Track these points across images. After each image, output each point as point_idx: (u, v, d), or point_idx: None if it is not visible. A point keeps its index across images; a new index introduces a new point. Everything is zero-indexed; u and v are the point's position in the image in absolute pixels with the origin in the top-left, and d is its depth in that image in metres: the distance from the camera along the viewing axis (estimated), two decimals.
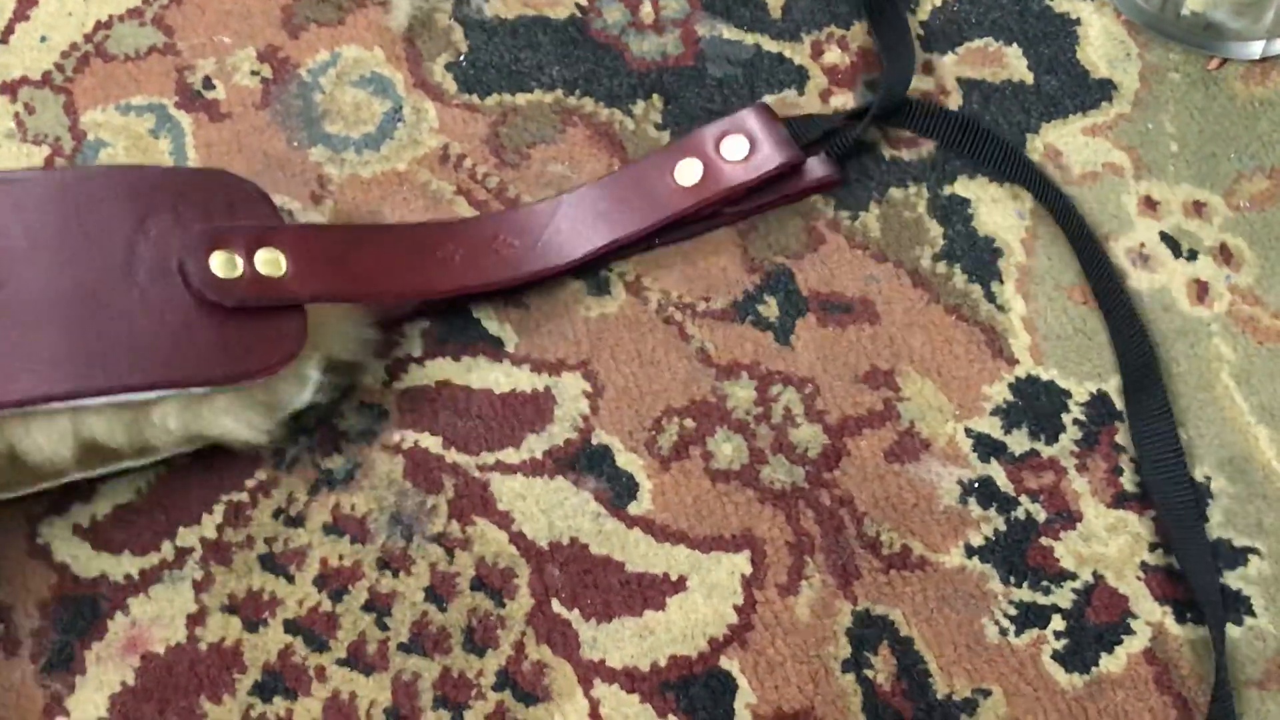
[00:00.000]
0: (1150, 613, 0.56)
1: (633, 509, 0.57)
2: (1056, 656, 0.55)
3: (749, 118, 0.63)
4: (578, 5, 0.69)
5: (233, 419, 0.53)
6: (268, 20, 0.67)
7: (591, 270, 0.62)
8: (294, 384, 0.55)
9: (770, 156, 0.62)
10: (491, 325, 0.60)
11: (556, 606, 0.55)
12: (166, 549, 0.55)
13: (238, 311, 0.53)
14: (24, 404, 0.50)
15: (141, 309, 0.52)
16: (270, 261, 0.54)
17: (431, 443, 0.58)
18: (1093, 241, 0.62)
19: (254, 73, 0.66)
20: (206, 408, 0.53)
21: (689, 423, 0.59)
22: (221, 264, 0.53)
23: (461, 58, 0.67)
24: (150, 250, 0.53)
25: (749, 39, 0.68)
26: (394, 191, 0.63)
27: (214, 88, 0.66)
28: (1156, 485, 0.57)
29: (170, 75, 0.66)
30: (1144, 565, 0.56)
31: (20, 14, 0.67)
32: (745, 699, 0.54)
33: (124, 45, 0.67)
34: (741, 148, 0.62)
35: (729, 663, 0.54)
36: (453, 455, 0.58)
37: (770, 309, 0.61)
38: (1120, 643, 0.55)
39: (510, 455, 0.58)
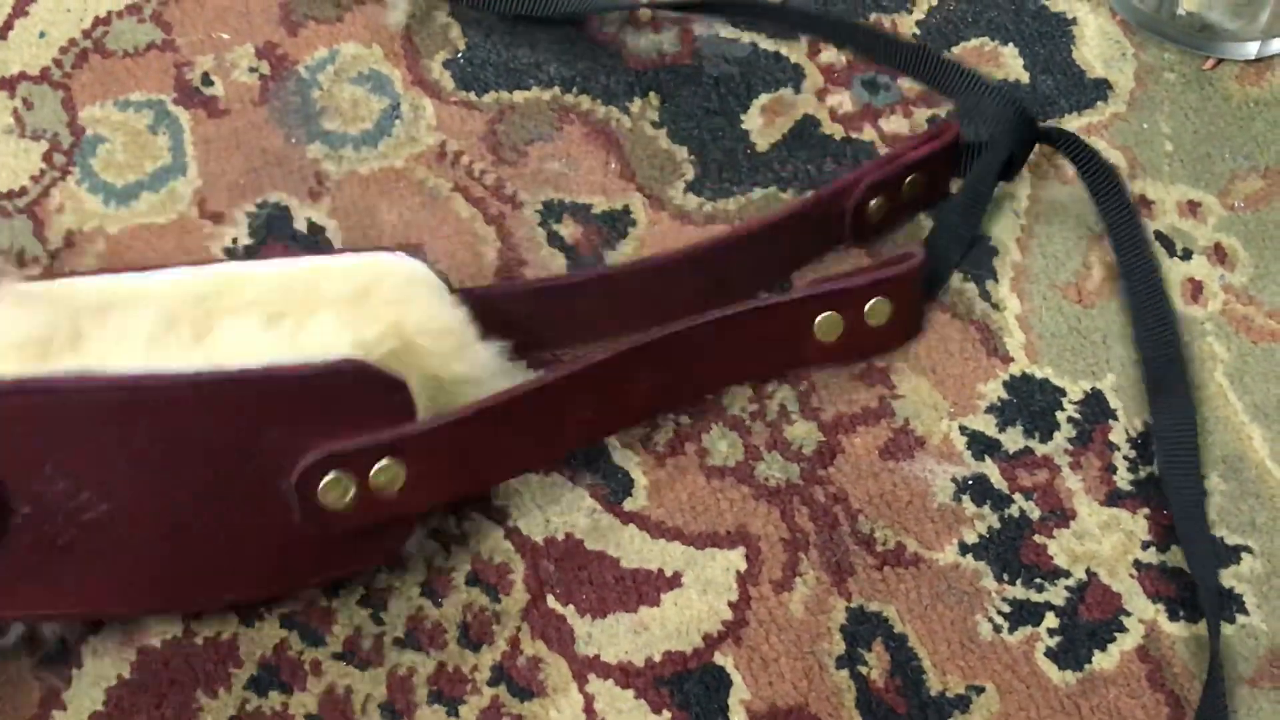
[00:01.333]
0: (1143, 610, 0.56)
1: (628, 505, 0.57)
2: (1050, 654, 0.55)
3: (892, 287, 0.58)
4: None
5: None
6: (266, 17, 0.68)
7: (588, 266, 0.62)
8: None
9: (901, 331, 0.60)
10: None
11: (551, 602, 0.55)
12: None
13: (346, 532, 0.51)
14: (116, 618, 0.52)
15: (241, 528, 0.50)
16: (387, 473, 0.50)
17: None
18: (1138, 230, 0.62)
19: (252, 69, 0.66)
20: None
21: (684, 419, 0.59)
22: (332, 489, 0.50)
23: (459, 55, 0.67)
24: (259, 465, 0.49)
25: (745, 37, 0.68)
26: (391, 188, 0.63)
27: (212, 84, 0.66)
28: (1168, 473, 0.57)
29: (169, 72, 0.66)
30: (1137, 563, 0.57)
31: (19, 10, 0.67)
32: (739, 695, 0.54)
33: (123, 41, 0.67)
34: (882, 314, 0.58)
35: (723, 659, 0.54)
36: None
37: None
38: (1113, 640, 0.55)
39: None
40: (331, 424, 0.50)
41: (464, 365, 0.54)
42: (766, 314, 0.57)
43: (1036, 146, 0.64)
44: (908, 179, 0.62)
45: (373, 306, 0.54)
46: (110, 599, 0.50)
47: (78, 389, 0.48)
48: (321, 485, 0.50)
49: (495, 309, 0.56)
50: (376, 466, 0.50)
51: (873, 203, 0.61)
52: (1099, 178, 0.62)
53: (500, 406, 0.52)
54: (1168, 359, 0.59)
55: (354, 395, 0.50)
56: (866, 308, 0.58)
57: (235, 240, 0.62)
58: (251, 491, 0.50)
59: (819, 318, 0.58)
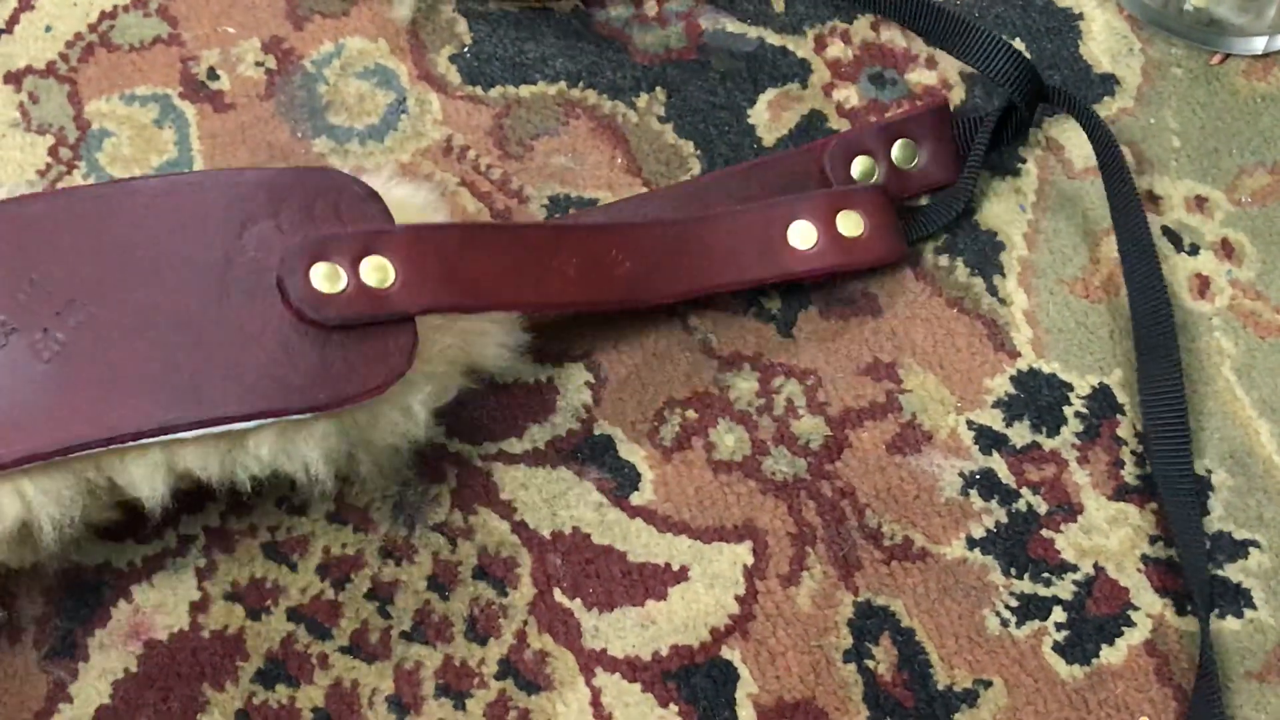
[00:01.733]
0: (1151, 605, 0.56)
1: (635, 499, 0.57)
2: (1057, 648, 0.55)
3: (861, 199, 0.60)
4: None
5: (323, 452, 0.51)
6: (272, 11, 0.68)
7: None
8: (396, 410, 0.52)
9: (880, 245, 0.60)
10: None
11: (558, 596, 0.55)
12: (170, 537, 0.56)
13: (341, 329, 0.50)
14: (113, 441, 0.47)
15: (238, 332, 0.49)
16: (378, 270, 0.50)
17: (434, 432, 0.58)
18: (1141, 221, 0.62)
19: (258, 64, 0.66)
20: (304, 436, 0.50)
21: (691, 414, 0.59)
22: (324, 276, 0.50)
23: (465, 50, 0.67)
24: (247, 265, 0.49)
25: (752, 32, 0.68)
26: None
27: (218, 78, 0.66)
28: (1160, 469, 0.57)
29: (175, 66, 0.66)
30: (1145, 558, 0.57)
31: (25, 4, 0.67)
32: (746, 689, 0.54)
33: (128, 35, 0.67)
34: (856, 226, 0.60)
35: (730, 652, 0.54)
36: (455, 445, 0.58)
37: (773, 301, 0.61)
38: (1121, 634, 0.55)
39: (513, 445, 0.58)
40: (313, 223, 0.50)
41: None
42: (741, 215, 0.59)
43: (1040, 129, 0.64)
44: (896, 142, 0.63)
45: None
46: (100, 418, 0.47)
47: (48, 201, 0.48)
48: (311, 270, 0.49)
49: None
50: (366, 262, 0.50)
51: (857, 163, 0.62)
52: (1100, 140, 0.62)
53: (484, 228, 0.54)
54: (1158, 327, 0.59)
55: (332, 197, 0.51)
56: (837, 218, 0.60)
57: None
58: (241, 291, 0.49)
59: (791, 225, 0.59)
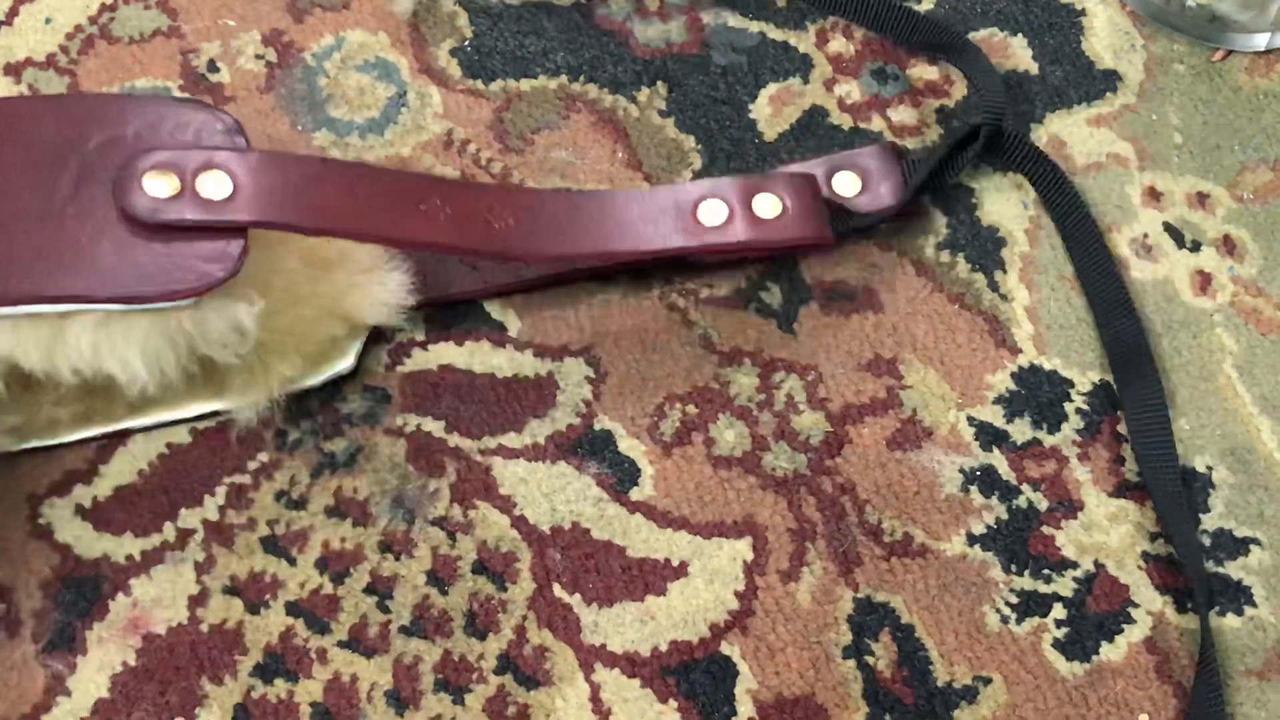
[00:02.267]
0: (1151, 602, 0.56)
1: (635, 494, 0.57)
2: (1057, 645, 0.55)
3: (782, 182, 0.60)
4: None
5: (141, 350, 0.51)
6: (272, 4, 0.67)
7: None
8: (223, 322, 0.52)
9: (797, 226, 0.60)
10: (494, 310, 0.60)
11: (558, 591, 0.55)
12: (168, 530, 0.55)
13: (167, 230, 0.50)
14: None
15: (62, 221, 0.50)
16: (216, 182, 0.51)
17: (434, 426, 0.58)
18: (1091, 229, 0.62)
19: (258, 56, 0.66)
20: (122, 331, 0.50)
21: (691, 409, 0.59)
22: (157, 181, 0.50)
23: (466, 43, 0.67)
24: (84, 161, 0.51)
25: (754, 27, 0.68)
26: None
27: (218, 71, 0.66)
28: (1149, 471, 0.57)
29: (175, 58, 0.66)
30: (1145, 555, 0.56)
31: None
32: (746, 684, 0.54)
33: (128, 28, 0.67)
34: (773, 208, 0.60)
35: (730, 648, 0.54)
36: (455, 439, 0.58)
37: (773, 296, 0.61)
38: (1121, 631, 0.55)
39: (513, 440, 0.58)
40: (162, 140, 0.52)
41: None
42: (649, 192, 0.59)
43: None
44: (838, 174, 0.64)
45: None
46: None
47: None
48: (146, 173, 0.50)
49: None
50: (206, 175, 0.51)
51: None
52: (1049, 182, 0.64)
53: (345, 165, 0.55)
54: (1132, 348, 0.59)
55: (194, 126, 0.53)
56: (754, 200, 0.60)
57: None
58: (74, 184, 0.51)
59: (702, 203, 0.59)
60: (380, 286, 0.57)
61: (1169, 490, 0.57)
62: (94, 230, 0.50)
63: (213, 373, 0.55)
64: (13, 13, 0.67)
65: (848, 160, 0.63)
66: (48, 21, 0.66)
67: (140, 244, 0.50)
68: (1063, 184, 0.63)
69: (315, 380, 0.57)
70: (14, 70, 0.65)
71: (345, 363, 0.58)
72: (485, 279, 0.60)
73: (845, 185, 0.62)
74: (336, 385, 0.58)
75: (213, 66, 0.66)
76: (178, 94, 0.65)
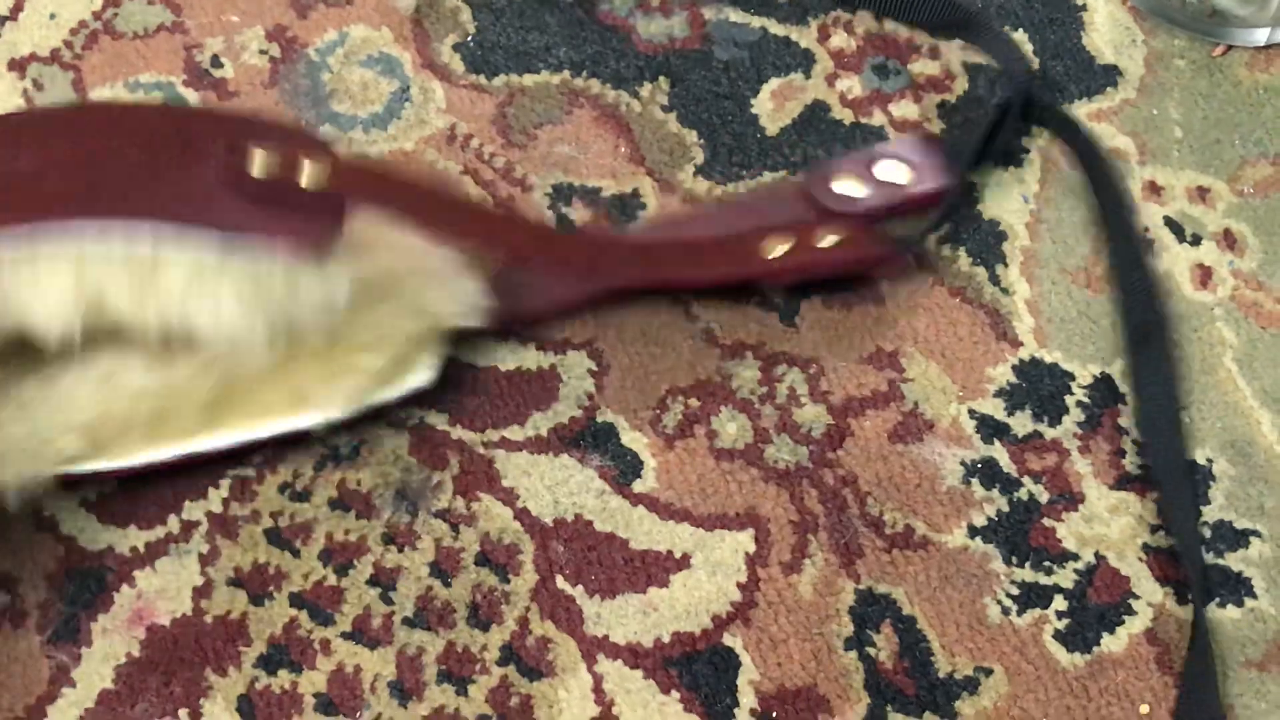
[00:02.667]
0: (1151, 593, 0.56)
1: (637, 487, 0.57)
2: (1058, 636, 0.55)
3: (843, 220, 0.61)
4: None
5: (232, 303, 0.51)
6: None
7: None
8: (315, 289, 0.53)
9: (862, 254, 0.61)
10: None
11: (561, 582, 0.55)
12: (173, 523, 0.56)
13: (272, 197, 0.52)
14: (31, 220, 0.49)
15: (173, 184, 0.51)
16: (313, 174, 0.52)
17: (437, 419, 0.58)
18: (1124, 198, 0.63)
19: (262, 51, 0.66)
20: (214, 281, 0.51)
21: (694, 402, 0.59)
22: (260, 160, 0.52)
23: (469, 38, 0.67)
24: (192, 142, 0.52)
25: (755, 22, 0.68)
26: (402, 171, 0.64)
27: (222, 66, 0.66)
28: (1153, 458, 0.57)
29: (178, 53, 0.66)
30: (1145, 546, 0.57)
31: None
32: (748, 675, 0.54)
33: (132, 23, 0.67)
34: (832, 239, 0.60)
35: (732, 639, 0.54)
36: (458, 432, 0.58)
37: (775, 290, 0.61)
38: (1121, 623, 0.55)
39: (515, 432, 0.58)
40: (266, 137, 0.53)
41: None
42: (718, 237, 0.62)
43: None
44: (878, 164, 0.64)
45: None
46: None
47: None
48: (253, 152, 0.52)
49: None
50: (305, 164, 0.52)
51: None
52: (1088, 155, 0.64)
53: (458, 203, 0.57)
54: (1152, 335, 0.60)
55: (291, 131, 0.55)
56: (814, 235, 0.61)
57: None
58: (184, 157, 0.52)
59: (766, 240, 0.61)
60: (460, 287, 0.56)
61: (1176, 484, 0.57)
62: (203, 190, 0.51)
63: (293, 374, 0.55)
64: (17, 8, 0.67)
65: (886, 151, 0.63)
66: (52, 17, 0.67)
67: (246, 205, 0.51)
68: (1095, 152, 0.64)
69: (395, 394, 0.57)
70: (18, 65, 0.65)
71: (425, 375, 0.57)
72: (552, 296, 0.61)
73: (892, 173, 0.62)
74: None
75: (216, 62, 0.66)
76: (181, 90, 0.65)
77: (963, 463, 0.58)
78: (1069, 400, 0.59)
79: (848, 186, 0.62)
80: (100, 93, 0.65)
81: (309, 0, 0.68)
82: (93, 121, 0.53)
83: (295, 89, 0.65)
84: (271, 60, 0.66)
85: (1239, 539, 0.57)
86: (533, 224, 0.61)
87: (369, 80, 0.66)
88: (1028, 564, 0.56)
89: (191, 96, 0.65)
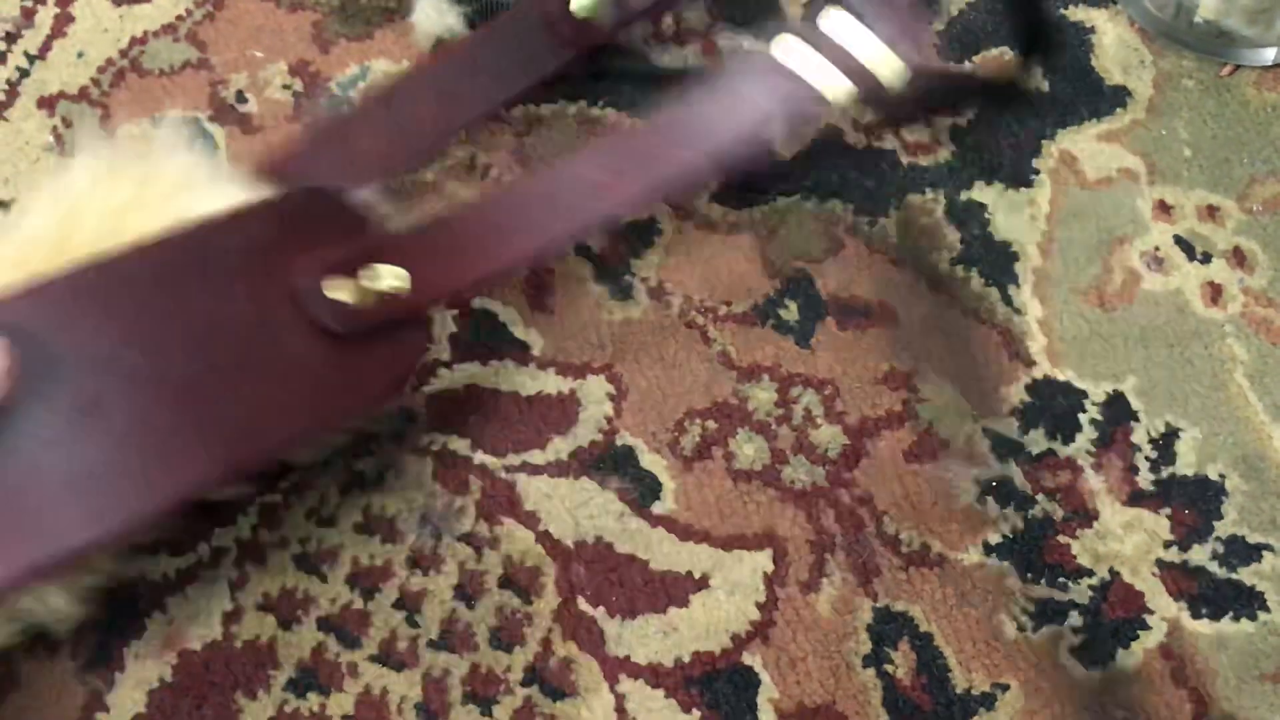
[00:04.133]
0: (1166, 608, 0.56)
1: (656, 508, 0.58)
2: (1073, 651, 0.56)
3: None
4: None
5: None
6: (299, 35, 0.69)
7: (615, 275, 0.63)
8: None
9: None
10: (518, 330, 0.62)
11: (582, 604, 0.56)
12: (203, 549, 0.57)
13: (362, 336, 0.51)
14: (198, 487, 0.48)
15: (266, 363, 0.50)
16: (393, 276, 0.52)
17: (460, 444, 0.59)
18: None
19: (285, 86, 0.68)
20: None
21: (711, 424, 0.60)
22: (340, 289, 0.51)
23: None
24: (260, 296, 0.50)
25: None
26: (421, 202, 0.65)
27: (247, 101, 0.67)
28: None
29: (204, 89, 0.67)
30: (1160, 562, 0.57)
31: (57, 30, 0.69)
32: (768, 694, 0.55)
33: (159, 60, 0.68)
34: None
35: (752, 658, 0.55)
36: (480, 457, 0.59)
37: (790, 313, 0.62)
38: (1136, 638, 0.56)
39: (536, 456, 0.59)
40: (318, 240, 0.51)
41: None
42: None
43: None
44: None
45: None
46: (208, 464, 0.48)
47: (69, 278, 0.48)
48: (330, 284, 0.50)
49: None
50: (379, 270, 0.51)
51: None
52: None
53: (479, 208, 0.55)
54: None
55: (323, 215, 0.52)
56: None
57: None
58: (274, 314, 0.50)
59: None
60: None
61: None
62: (302, 364, 0.50)
63: None
64: (45, 47, 0.68)
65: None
66: (80, 55, 0.68)
67: (341, 355, 0.51)
68: None
69: None
70: (48, 103, 0.67)
71: None
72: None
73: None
74: None
75: (241, 97, 0.67)
76: (207, 124, 0.66)
77: (977, 481, 0.59)
78: (1082, 418, 0.60)
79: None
80: (128, 129, 0.66)
81: (331, 35, 0.69)
82: (146, 307, 0.49)
83: (318, 123, 0.67)
84: (295, 95, 0.67)
85: (1252, 553, 0.57)
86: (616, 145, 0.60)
87: None
88: (1043, 580, 0.57)
89: (217, 131, 0.66)
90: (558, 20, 0.64)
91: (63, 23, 0.69)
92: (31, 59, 0.68)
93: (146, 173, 0.56)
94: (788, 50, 0.59)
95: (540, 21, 0.64)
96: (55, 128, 0.66)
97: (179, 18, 0.69)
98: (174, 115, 0.67)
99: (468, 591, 0.56)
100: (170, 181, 0.55)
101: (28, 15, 0.69)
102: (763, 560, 0.57)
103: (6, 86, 0.67)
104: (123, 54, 0.68)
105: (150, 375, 0.48)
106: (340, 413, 0.51)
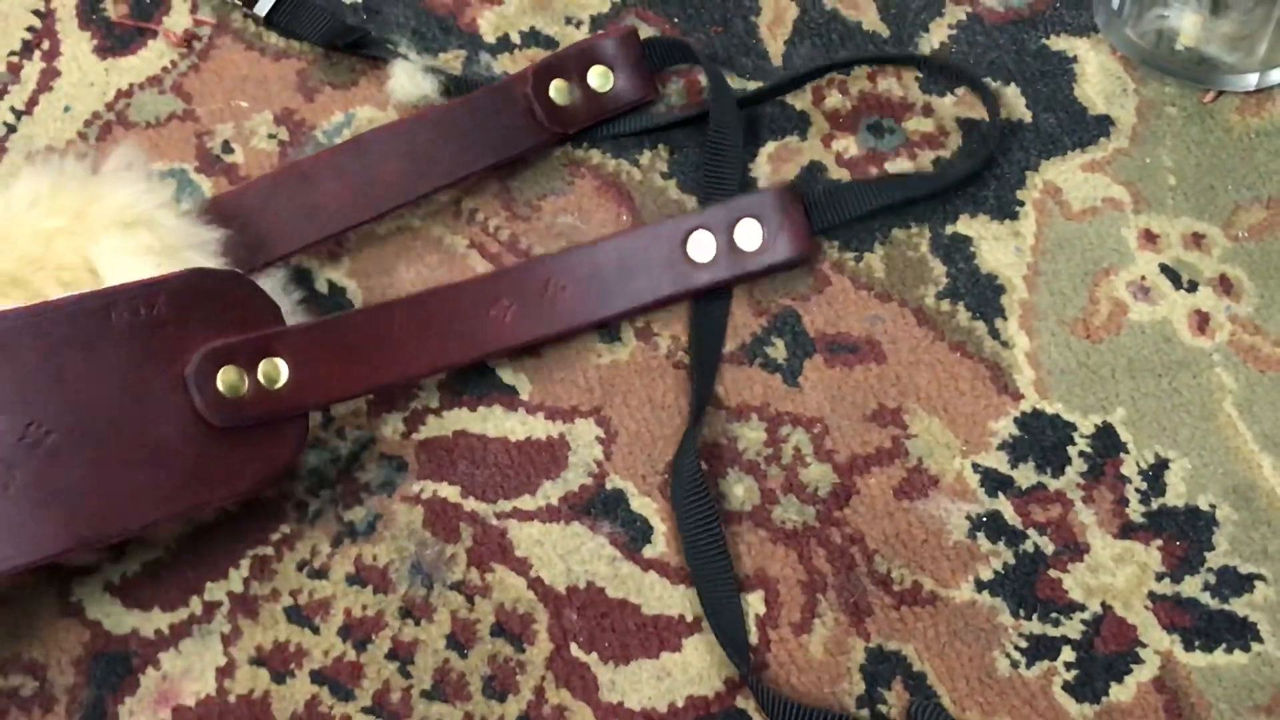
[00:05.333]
0: (1159, 641, 0.56)
1: (648, 552, 0.58)
2: (1067, 687, 0.56)
3: (767, 202, 0.63)
4: None
5: None
6: (284, 84, 0.69)
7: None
8: None
9: (782, 250, 0.63)
10: (506, 375, 0.62)
11: (575, 650, 0.56)
12: (195, 604, 0.57)
13: (240, 427, 0.53)
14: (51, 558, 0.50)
15: (153, 440, 0.51)
16: (273, 368, 0.53)
17: (450, 492, 0.59)
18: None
19: (271, 136, 0.68)
20: None
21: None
22: (226, 377, 0.52)
23: None
24: (156, 375, 0.52)
25: (751, 86, 0.70)
26: (408, 247, 0.65)
27: (233, 152, 0.67)
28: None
29: (190, 141, 0.68)
30: (1152, 594, 0.57)
31: (43, 85, 0.69)
32: None
33: (145, 113, 0.69)
34: (755, 237, 0.63)
35: (745, 702, 0.55)
36: (471, 504, 0.59)
37: (778, 351, 0.63)
38: (1130, 672, 0.56)
39: (527, 502, 0.59)
40: (213, 327, 0.52)
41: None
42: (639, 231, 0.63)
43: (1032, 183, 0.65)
44: (591, 68, 0.67)
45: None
46: (59, 535, 0.50)
47: None
48: (218, 375, 0.52)
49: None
50: (263, 362, 0.52)
51: (554, 86, 0.66)
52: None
53: (402, 301, 0.56)
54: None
55: (227, 299, 0.52)
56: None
57: None
58: (156, 397, 0.51)
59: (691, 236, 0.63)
60: None
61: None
62: (188, 446, 0.52)
63: None
64: (32, 102, 0.69)
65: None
66: (66, 109, 0.69)
67: (216, 444, 0.53)
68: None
69: None
70: (34, 159, 0.67)
71: None
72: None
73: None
74: (355, 455, 0.60)
75: (227, 148, 0.68)
76: (194, 175, 0.66)
77: (968, 517, 0.59)
78: (1071, 451, 0.60)
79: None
80: None
81: (315, 84, 0.69)
82: (61, 355, 0.51)
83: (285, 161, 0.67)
84: (280, 144, 0.68)
85: (1243, 584, 0.57)
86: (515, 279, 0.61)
87: None
88: (1035, 616, 0.57)
89: (204, 182, 0.66)
90: (537, 102, 0.65)
91: (49, 77, 0.69)
92: (18, 114, 0.68)
93: (88, 201, 0.56)
94: (700, 246, 0.62)
95: (522, 100, 0.65)
96: None
97: (164, 69, 0.70)
98: (160, 167, 0.67)
99: (460, 640, 0.56)
100: (109, 215, 0.56)
101: (13, 70, 0.70)
102: (754, 602, 0.57)
103: None
104: (109, 107, 0.69)
105: (16, 441, 0.49)
106: (206, 503, 0.53)
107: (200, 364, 0.52)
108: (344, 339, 0.55)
